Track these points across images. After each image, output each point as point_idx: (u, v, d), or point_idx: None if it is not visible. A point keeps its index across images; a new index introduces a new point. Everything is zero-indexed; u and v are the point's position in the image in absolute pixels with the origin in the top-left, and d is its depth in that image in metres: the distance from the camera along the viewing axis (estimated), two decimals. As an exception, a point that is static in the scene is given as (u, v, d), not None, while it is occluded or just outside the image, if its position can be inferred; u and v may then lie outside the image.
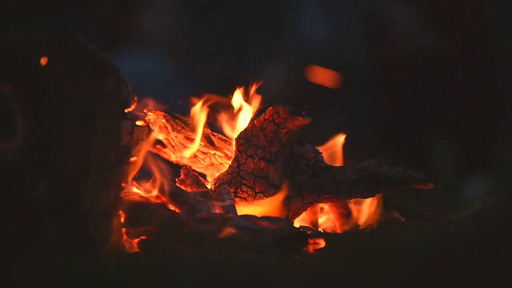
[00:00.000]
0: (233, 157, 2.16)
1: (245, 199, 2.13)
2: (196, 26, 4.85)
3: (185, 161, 2.32)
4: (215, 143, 2.25)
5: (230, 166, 2.17)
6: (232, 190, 2.12)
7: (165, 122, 2.24)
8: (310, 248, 1.89)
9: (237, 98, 2.28)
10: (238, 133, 2.16)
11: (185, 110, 2.29)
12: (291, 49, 4.93)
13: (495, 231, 1.91)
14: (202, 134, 2.24)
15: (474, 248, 1.71)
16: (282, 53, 4.93)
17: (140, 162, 1.95)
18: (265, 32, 4.91)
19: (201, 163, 2.31)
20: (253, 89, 2.26)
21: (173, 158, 2.34)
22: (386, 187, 2.14)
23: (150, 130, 2.16)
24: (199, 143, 2.24)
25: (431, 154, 4.25)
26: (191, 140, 2.24)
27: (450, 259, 1.64)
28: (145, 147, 1.95)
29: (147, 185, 2.06)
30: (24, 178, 1.79)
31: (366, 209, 2.36)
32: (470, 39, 4.92)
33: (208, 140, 2.25)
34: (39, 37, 1.86)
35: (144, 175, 2.06)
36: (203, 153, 2.28)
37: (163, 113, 2.24)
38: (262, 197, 2.13)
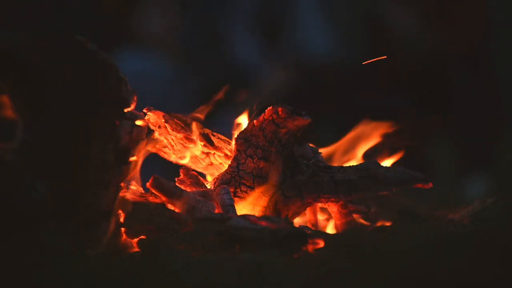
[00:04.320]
0: (233, 157, 2.16)
1: (244, 199, 2.14)
2: (196, 27, 4.85)
3: (184, 161, 2.32)
4: (215, 143, 2.25)
5: (229, 166, 2.17)
6: (231, 190, 2.12)
7: (164, 122, 2.23)
8: (310, 248, 1.88)
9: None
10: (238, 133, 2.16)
11: (185, 110, 2.29)
12: (290, 50, 4.93)
13: (495, 231, 1.91)
14: (202, 134, 2.24)
15: (474, 248, 1.71)
16: (281, 53, 4.93)
17: (139, 162, 1.95)
18: (264, 33, 4.91)
19: (201, 163, 2.31)
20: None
21: (173, 158, 2.33)
22: (385, 187, 2.14)
23: (150, 130, 2.15)
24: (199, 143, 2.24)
25: (430, 154, 4.25)
26: (191, 140, 2.24)
27: (450, 259, 1.64)
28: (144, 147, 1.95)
29: (147, 185, 2.06)
30: (24, 178, 1.79)
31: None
32: (471, 39, 4.92)
33: (208, 140, 2.25)
34: (39, 37, 1.86)
35: (144, 175, 2.06)
36: (203, 153, 2.27)
37: (162, 113, 2.24)
38: (262, 197, 2.13)
